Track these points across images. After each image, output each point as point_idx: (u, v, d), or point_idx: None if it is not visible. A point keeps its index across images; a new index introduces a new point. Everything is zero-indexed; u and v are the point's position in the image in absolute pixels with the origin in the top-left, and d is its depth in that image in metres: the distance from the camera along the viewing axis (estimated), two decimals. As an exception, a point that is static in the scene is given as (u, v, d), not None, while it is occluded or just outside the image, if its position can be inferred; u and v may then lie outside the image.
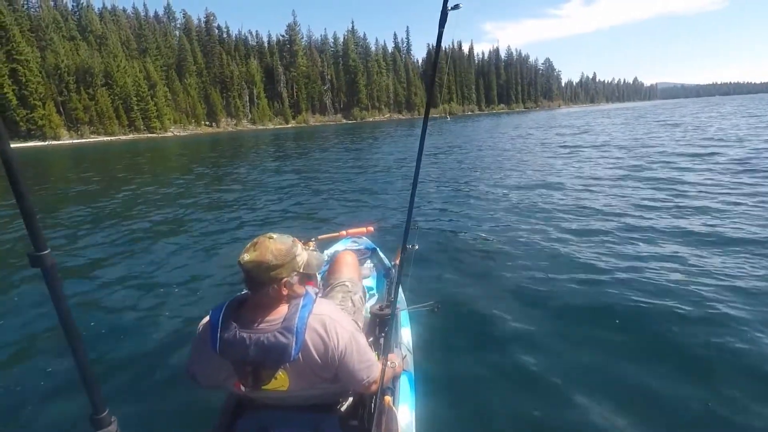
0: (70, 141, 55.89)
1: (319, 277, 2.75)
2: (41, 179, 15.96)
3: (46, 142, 53.29)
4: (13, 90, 52.90)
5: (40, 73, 56.70)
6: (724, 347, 2.78)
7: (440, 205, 7.52)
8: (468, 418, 2.32)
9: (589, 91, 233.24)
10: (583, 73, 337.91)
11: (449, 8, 1.27)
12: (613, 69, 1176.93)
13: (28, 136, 53.58)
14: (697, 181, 7.96)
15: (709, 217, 5.65)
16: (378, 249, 3.41)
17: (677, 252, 4.46)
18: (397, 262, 2.80)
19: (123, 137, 61.08)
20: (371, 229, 3.18)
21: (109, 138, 59.63)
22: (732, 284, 3.62)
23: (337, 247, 3.39)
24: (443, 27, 1.31)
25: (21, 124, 53.28)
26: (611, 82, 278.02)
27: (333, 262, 2.45)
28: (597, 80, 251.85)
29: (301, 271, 1.45)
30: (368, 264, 3.19)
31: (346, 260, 2.41)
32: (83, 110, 59.56)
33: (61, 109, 58.62)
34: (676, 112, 42.88)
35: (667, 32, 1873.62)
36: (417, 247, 1.84)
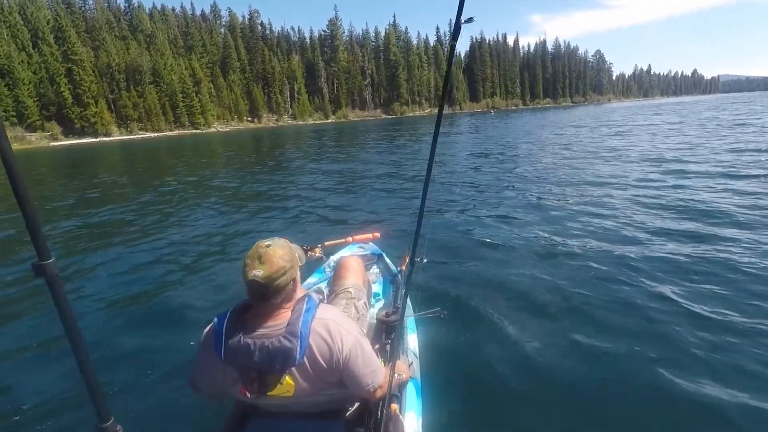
0: (120, 137, 57.96)
1: (325, 284, 2.80)
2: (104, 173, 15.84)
3: (98, 139, 55.48)
4: (68, 89, 55.34)
5: (93, 72, 59.04)
6: None
7: (453, 207, 7.32)
8: (475, 425, 2.29)
9: (642, 85, 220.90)
10: (636, 65, 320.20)
11: (462, 21, 1.23)
12: (670, 61, 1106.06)
13: (82, 133, 55.99)
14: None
15: None
16: (384, 255, 3.36)
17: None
18: (404, 268, 2.72)
19: (169, 133, 62.86)
20: (377, 234, 3.14)
21: (156, 134, 61.49)
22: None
23: (343, 252, 3.37)
24: (456, 40, 1.27)
25: (75, 121, 55.73)
26: (667, 74, 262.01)
27: (338, 268, 2.43)
28: (652, 73, 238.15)
29: (301, 264, 1.49)
30: (374, 270, 3.19)
31: (351, 265, 2.40)
32: (132, 107, 61.66)
33: (112, 107, 60.89)
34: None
35: (732, 21, 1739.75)
36: (425, 260, 1.78)
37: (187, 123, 67.67)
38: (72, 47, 56.48)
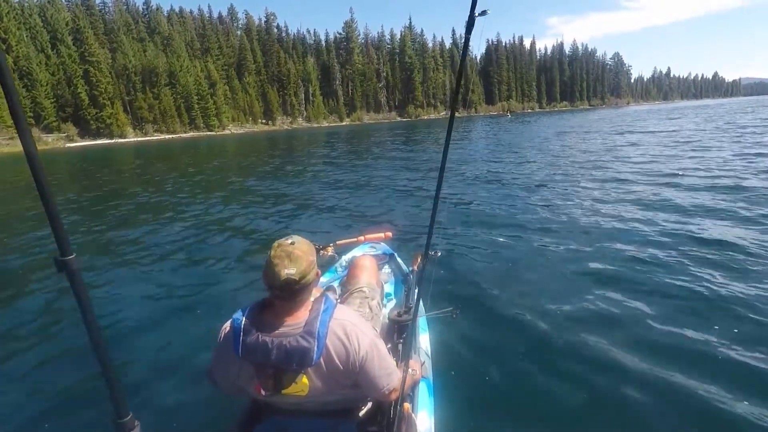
0: (135, 139, 57.95)
1: (337, 283, 2.82)
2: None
3: (113, 140, 55.51)
4: (85, 90, 55.50)
5: (110, 73, 59.19)
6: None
7: (466, 208, 7.23)
8: (487, 424, 2.30)
9: (662, 88, 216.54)
10: (655, 67, 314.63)
11: (476, 14, 1.23)
12: (690, 63, 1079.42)
13: (98, 135, 56.10)
14: None
15: None
16: (396, 254, 3.34)
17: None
18: (415, 267, 2.66)
19: (184, 135, 62.73)
20: (389, 234, 3.13)
21: (170, 136, 61.36)
22: None
23: (355, 252, 3.38)
24: (470, 33, 1.28)
25: (91, 122, 55.83)
26: (687, 77, 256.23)
27: (351, 267, 2.47)
28: (671, 75, 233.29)
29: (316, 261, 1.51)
30: (386, 269, 3.20)
31: (365, 264, 2.43)
32: (147, 109, 61.66)
33: (128, 108, 60.98)
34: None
35: (755, 22, 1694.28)
36: (437, 258, 1.76)
37: (201, 125, 67.51)
38: (89, 48, 56.63)
